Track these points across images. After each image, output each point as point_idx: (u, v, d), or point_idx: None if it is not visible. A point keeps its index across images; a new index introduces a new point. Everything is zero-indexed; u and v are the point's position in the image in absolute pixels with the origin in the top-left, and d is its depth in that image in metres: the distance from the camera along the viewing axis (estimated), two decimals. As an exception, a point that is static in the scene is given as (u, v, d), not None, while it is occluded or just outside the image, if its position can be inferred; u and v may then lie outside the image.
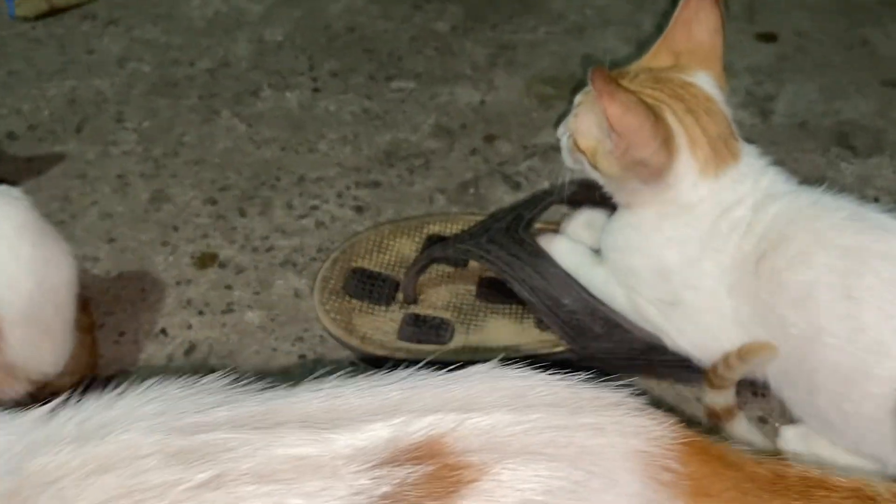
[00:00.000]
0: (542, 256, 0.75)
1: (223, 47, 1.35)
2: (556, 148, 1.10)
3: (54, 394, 0.76)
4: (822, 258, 0.64)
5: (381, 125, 1.17)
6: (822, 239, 0.65)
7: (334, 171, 1.10)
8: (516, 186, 1.05)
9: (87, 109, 1.22)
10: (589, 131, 0.70)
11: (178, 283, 0.93)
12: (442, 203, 1.04)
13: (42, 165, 1.09)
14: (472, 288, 0.85)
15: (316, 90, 1.25)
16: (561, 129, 0.78)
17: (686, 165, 0.68)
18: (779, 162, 1.17)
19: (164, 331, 0.87)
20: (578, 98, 0.74)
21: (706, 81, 0.70)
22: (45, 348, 0.75)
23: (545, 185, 1.05)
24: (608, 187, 0.74)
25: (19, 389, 0.74)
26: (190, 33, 1.39)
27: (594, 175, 0.73)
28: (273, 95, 1.23)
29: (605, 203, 0.83)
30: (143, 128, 1.18)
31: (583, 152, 0.71)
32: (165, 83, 1.27)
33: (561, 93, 1.21)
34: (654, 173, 0.68)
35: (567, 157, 0.76)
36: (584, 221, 0.84)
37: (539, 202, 0.82)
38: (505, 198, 1.04)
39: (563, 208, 0.91)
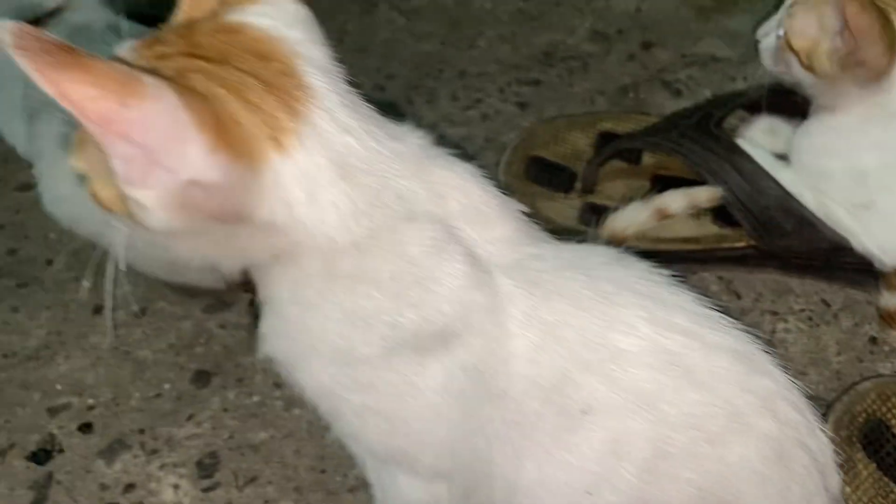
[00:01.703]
0: (739, 152, 0.77)
1: (377, -60, 1.37)
2: (716, 59, 1.11)
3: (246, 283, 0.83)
4: None
5: (537, 26, 1.18)
6: None
7: (494, 67, 1.12)
8: (677, 94, 1.07)
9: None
10: (805, 31, 0.72)
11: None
12: (603, 105, 1.06)
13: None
14: (646, 184, 0.88)
15: (471, -12, 1.26)
16: (763, 31, 0.79)
17: (905, 70, 0.69)
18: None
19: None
20: (791, -1, 0.75)
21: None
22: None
23: (706, 94, 1.06)
24: (813, 89, 0.75)
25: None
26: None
27: (802, 76, 0.74)
28: (428, -10, 1.26)
29: (785, 110, 0.85)
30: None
31: (795, 52, 0.73)
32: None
33: (719, 5, 1.20)
34: (873, 76, 0.69)
35: (768, 59, 0.77)
36: (765, 127, 0.86)
37: (729, 102, 0.84)
38: (666, 104, 1.05)
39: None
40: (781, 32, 0.74)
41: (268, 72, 0.41)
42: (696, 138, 0.79)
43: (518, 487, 0.46)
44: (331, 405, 0.47)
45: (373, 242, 0.42)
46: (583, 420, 0.44)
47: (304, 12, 0.44)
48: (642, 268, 0.48)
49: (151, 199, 0.38)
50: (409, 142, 0.45)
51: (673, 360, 0.45)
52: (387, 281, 0.42)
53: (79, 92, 0.36)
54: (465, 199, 0.45)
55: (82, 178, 0.43)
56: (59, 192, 0.75)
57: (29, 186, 0.96)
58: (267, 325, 0.47)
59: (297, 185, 0.41)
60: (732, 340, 0.47)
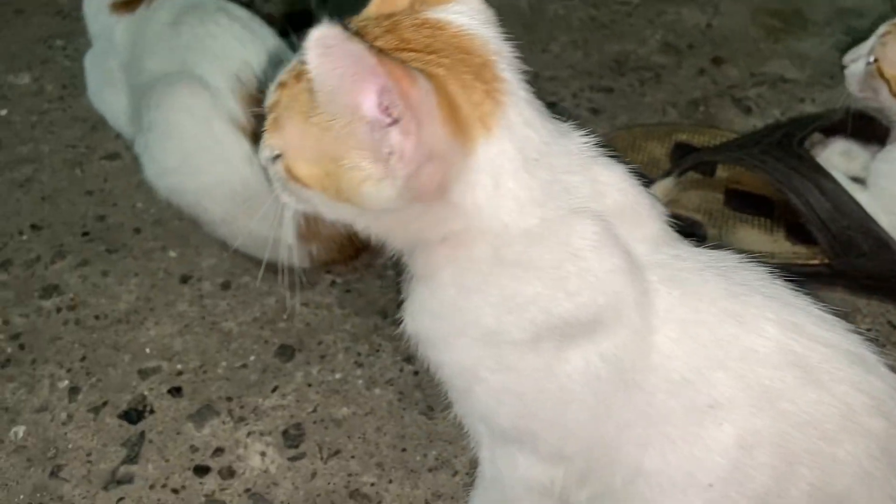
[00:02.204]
0: (822, 172, 0.80)
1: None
2: (785, 80, 1.13)
3: (327, 265, 0.85)
4: None
5: (609, 34, 1.21)
6: None
7: (567, 72, 1.14)
8: (747, 111, 1.09)
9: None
10: (899, 59, 0.74)
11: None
12: (674, 116, 1.08)
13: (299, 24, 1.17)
14: (720, 196, 0.90)
15: (544, -8, 1.29)
16: (850, 57, 0.81)
17: None
18: None
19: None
20: (884, 28, 0.78)
21: None
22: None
23: (776, 113, 1.09)
24: (899, 116, 0.78)
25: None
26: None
27: (889, 103, 0.76)
28: (502, -8, 1.28)
29: (860, 135, 0.87)
30: (383, 7, 1.25)
31: (886, 80, 0.75)
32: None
33: (788, 27, 1.22)
34: (965, 107, 0.72)
35: (855, 85, 0.80)
36: (841, 150, 0.88)
37: (809, 123, 0.86)
38: (736, 120, 1.07)
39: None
40: (872, 59, 0.77)
41: (472, 64, 0.44)
42: (780, 156, 0.81)
43: (640, 474, 0.48)
44: (467, 384, 0.49)
45: (541, 232, 0.45)
46: (710, 414, 0.46)
47: (490, 13, 0.47)
48: (765, 272, 0.50)
49: (402, 174, 0.41)
50: (576, 140, 0.47)
51: (795, 360, 0.47)
52: (549, 269, 0.45)
53: (395, 74, 0.39)
54: (621, 197, 0.47)
55: (274, 157, 0.46)
56: (165, 164, 0.77)
57: (116, 156, 0.99)
58: (416, 304, 0.49)
59: (486, 170, 0.44)
60: (848, 343, 0.49)
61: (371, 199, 0.43)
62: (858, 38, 1.17)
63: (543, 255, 0.44)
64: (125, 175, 0.96)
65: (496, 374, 0.47)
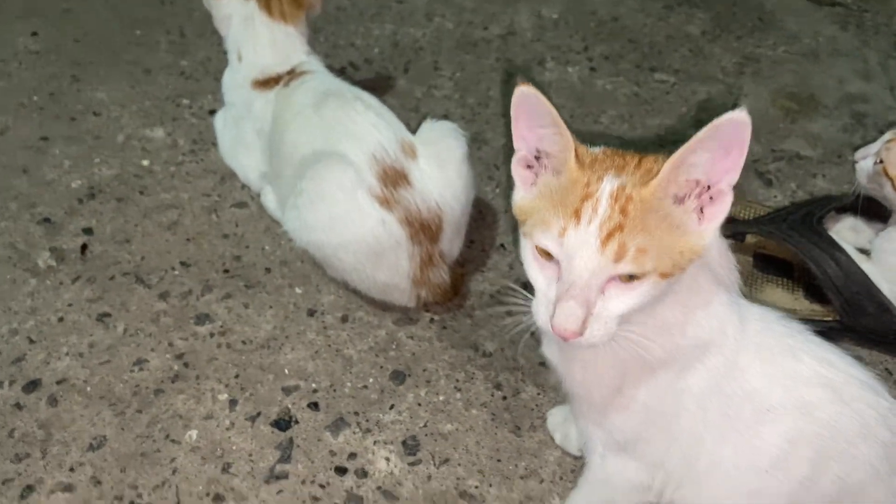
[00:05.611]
0: (836, 246, 0.99)
1: (508, 16, 1.59)
2: (800, 157, 1.33)
3: (427, 305, 1.04)
4: None
5: (650, 110, 1.40)
6: None
7: (616, 143, 1.33)
8: (769, 183, 1.28)
9: (408, 53, 1.48)
10: (900, 162, 0.94)
11: (505, 211, 1.19)
12: (706, 186, 1.27)
13: (382, 89, 1.37)
14: (750, 259, 1.09)
15: (592, 69, 1.48)
16: (860, 154, 1.01)
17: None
18: None
19: (502, 245, 1.14)
20: (889, 135, 0.97)
21: None
22: (455, 244, 1.02)
23: (792, 186, 1.28)
24: (898, 205, 0.97)
25: (419, 293, 1.00)
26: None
27: (892, 196, 0.96)
28: (556, 68, 1.47)
29: (866, 213, 1.06)
30: (457, 77, 1.43)
31: (890, 178, 0.94)
32: (467, 41, 1.52)
33: (803, 109, 1.42)
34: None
35: (863, 178, 0.99)
36: (850, 225, 1.08)
37: (827, 203, 1.05)
38: (759, 191, 1.26)
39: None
40: (878, 161, 0.96)
41: None
42: (803, 232, 1.00)
43: (717, 465, 0.67)
44: (609, 398, 0.67)
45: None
46: (768, 416, 0.66)
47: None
48: (799, 324, 0.71)
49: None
50: None
51: (827, 382, 0.67)
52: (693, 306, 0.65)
53: None
54: (718, 256, 0.66)
55: None
56: (313, 223, 0.95)
57: (244, 204, 1.17)
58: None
59: None
60: (863, 374, 0.69)
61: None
62: (862, 122, 1.37)
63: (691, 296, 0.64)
64: (253, 221, 1.14)
65: (632, 389, 0.66)
